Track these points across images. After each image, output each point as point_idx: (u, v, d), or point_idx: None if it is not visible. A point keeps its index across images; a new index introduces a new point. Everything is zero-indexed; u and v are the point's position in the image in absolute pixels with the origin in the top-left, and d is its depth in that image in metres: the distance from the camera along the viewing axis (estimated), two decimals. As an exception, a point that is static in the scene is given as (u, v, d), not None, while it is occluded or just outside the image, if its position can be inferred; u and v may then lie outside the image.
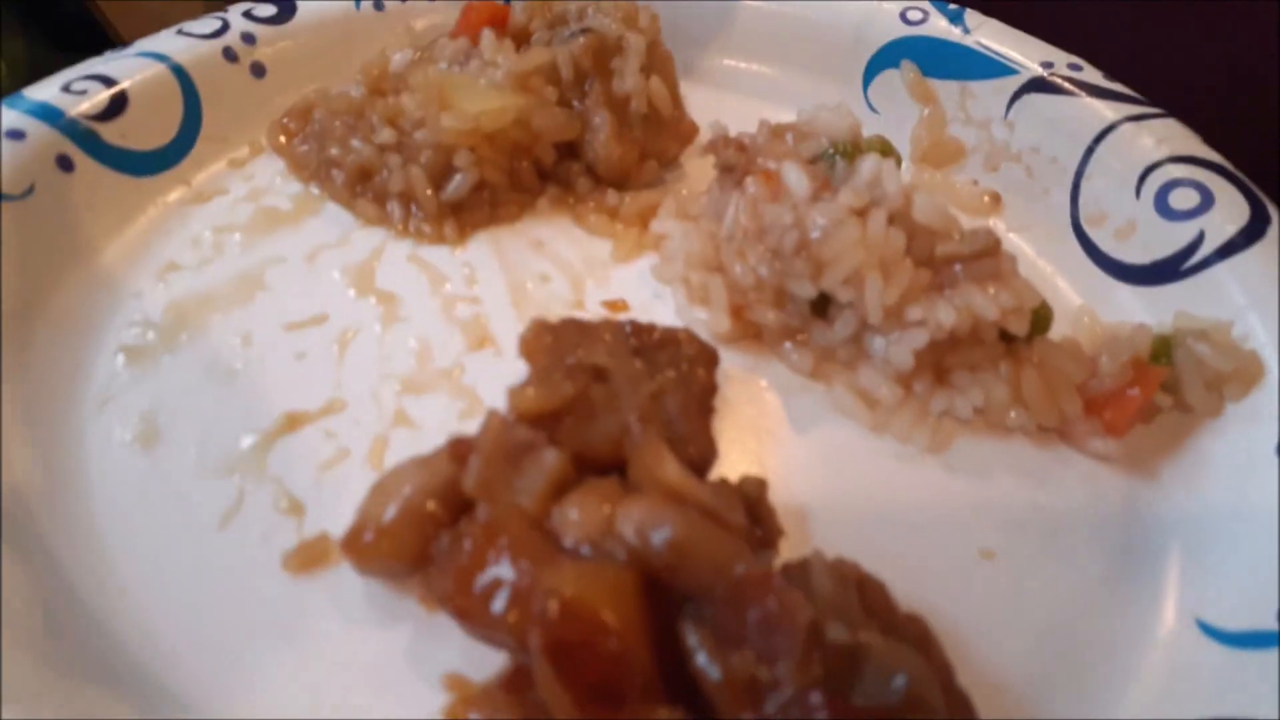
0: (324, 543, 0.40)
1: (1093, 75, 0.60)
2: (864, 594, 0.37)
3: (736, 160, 0.54)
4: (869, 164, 0.50)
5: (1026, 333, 0.47)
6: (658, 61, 0.59)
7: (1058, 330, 0.50)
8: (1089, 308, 0.54)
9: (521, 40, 0.59)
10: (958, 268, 0.48)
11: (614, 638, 0.34)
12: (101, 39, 0.77)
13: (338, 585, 0.39)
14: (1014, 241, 0.59)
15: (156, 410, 0.45)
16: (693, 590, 0.36)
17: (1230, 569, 0.43)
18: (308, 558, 0.40)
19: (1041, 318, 0.48)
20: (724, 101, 0.65)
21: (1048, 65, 0.61)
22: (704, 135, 0.56)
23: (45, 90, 0.53)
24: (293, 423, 0.45)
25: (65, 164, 0.51)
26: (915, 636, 0.37)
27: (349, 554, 0.39)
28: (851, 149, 0.52)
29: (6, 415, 0.43)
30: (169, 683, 0.36)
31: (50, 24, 0.81)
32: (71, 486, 0.42)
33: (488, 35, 0.58)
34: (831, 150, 0.52)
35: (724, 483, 0.42)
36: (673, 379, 0.45)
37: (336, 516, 0.40)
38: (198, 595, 0.39)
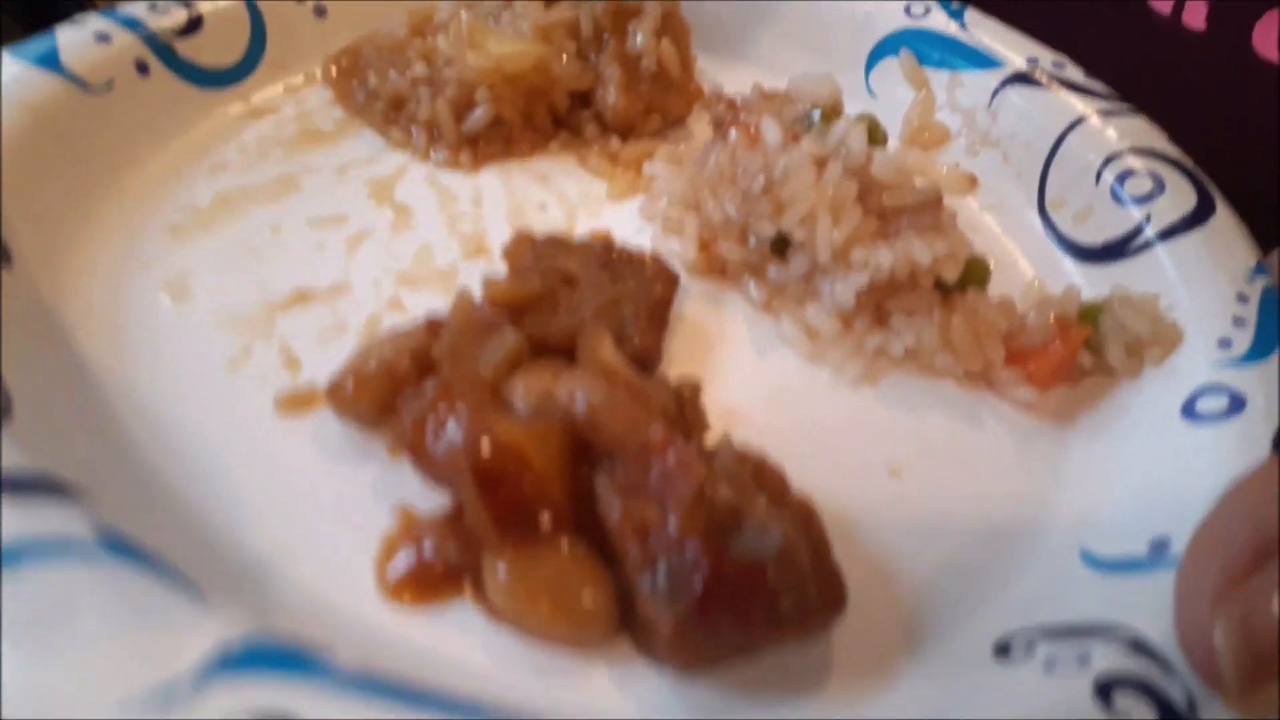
0: (312, 392, 0.47)
1: (1074, 73, 0.65)
2: (760, 473, 0.42)
3: (726, 116, 0.60)
4: (840, 126, 0.55)
5: (957, 280, 0.52)
6: (673, 28, 0.65)
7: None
8: (1040, 280, 0.59)
9: (552, 2, 0.66)
10: (905, 221, 0.53)
11: (533, 473, 0.40)
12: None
13: (320, 427, 0.46)
14: (985, 219, 0.64)
15: (190, 274, 0.52)
16: (609, 449, 0.42)
17: (1118, 508, 0.47)
18: (296, 401, 0.47)
19: (977, 272, 0.53)
20: (736, 73, 0.71)
21: (1033, 61, 0.65)
22: (708, 99, 0.63)
23: (134, 6, 0.61)
24: (302, 297, 0.52)
25: (142, 68, 0.59)
26: (799, 513, 0.42)
27: (330, 400, 0.46)
28: (830, 113, 0.58)
29: (64, 268, 0.51)
30: (176, 488, 0.43)
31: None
32: (110, 323, 0.49)
33: (521, -9, 0.65)
34: (811, 113, 0.57)
35: (659, 377, 0.48)
36: (631, 289, 0.51)
37: (327, 374, 0.46)
38: (204, 420, 0.46)
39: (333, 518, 0.43)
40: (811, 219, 0.52)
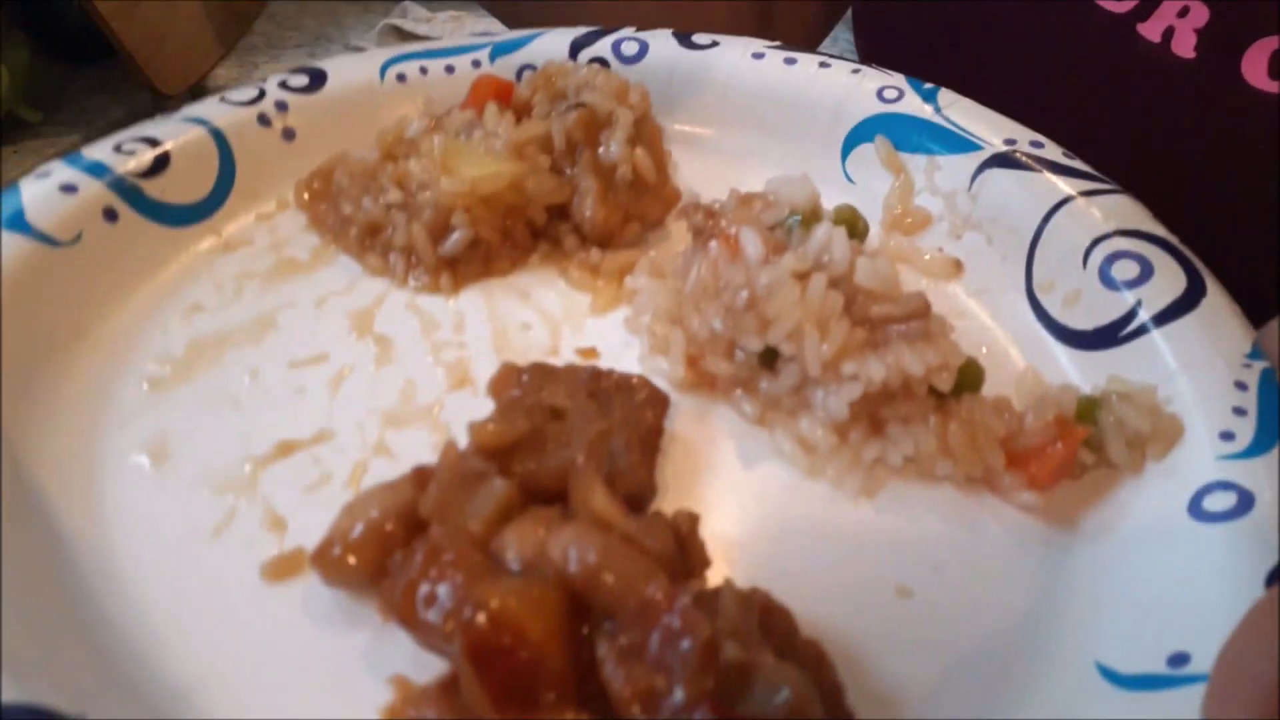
0: (299, 556, 0.46)
1: (1053, 152, 0.64)
2: (766, 619, 0.41)
3: (705, 225, 0.59)
4: (822, 231, 0.55)
5: (951, 389, 0.51)
6: (645, 134, 0.65)
7: (1003, 390, 0.54)
8: (1034, 369, 0.58)
9: (523, 113, 0.66)
10: (893, 331, 0.52)
11: (530, 646, 0.39)
12: (103, 49, 0.82)
13: (308, 594, 0.45)
14: (971, 305, 0.63)
15: (168, 433, 0.51)
16: (609, 608, 0.41)
17: (1131, 617, 0.46)
18: (283, 568, 0.45)
19: (970, 376, 0.52)
20: (711, 170, 0.70)
21: (1011, 142, 0.65)
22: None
23: (99, 150, 0.60)
24: (285, 449, 0.51)
25: (111, 215, 0.58)
26: (810, 660, 0.41)
27: (318, 566, 0.44)
28: (810, 217, 0.57)
29: (38, 432, 0.50)
30: (156, 667, 0.42)
31: (53, 35, 0.87)
32: (88, 494, 0.48)
33: (491, 108, 0.64)
34: (791, 218, 0.57)
35: (656, 515, 0.47)
36: (621, 420, 0.50)
37: (314, 533, 0.45)
38: (187, 594, 0.44)
39: (327, 692, 0.42)
40: (799, 333, 0.51)
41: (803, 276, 0.52)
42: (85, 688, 0.38)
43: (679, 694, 0.37)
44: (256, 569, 0.45)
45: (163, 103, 0.93)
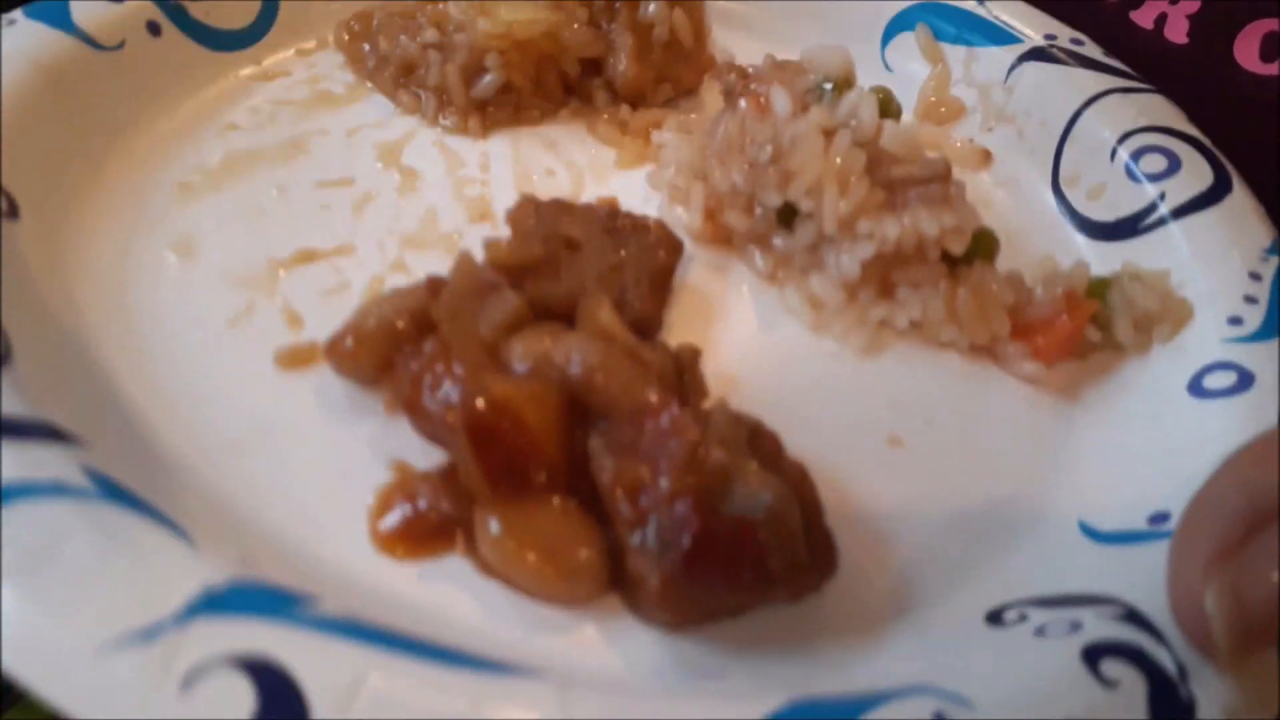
0: (313, 348, 0.47)
1: (1093, 50, 0.64)
2: (754, 438, 0.42)
3: (737, 85, 0.59)
4: (851, 96, 0.55)
5: (964, 252, 0.51)
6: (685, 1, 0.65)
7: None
8: (1051, 255, 0.58)
9: (564, -28, 0.66)
10: (913, 193, 0.52)
11: (527, 433, 0.40)
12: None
13: (320, 384, 0.46)
14: (997, 195, 0.63)
15: (195, 232, 0.52)
16: (604, 410, 0.42)
17: (1121, 482, 0.47)
18: (297, 357, 0.47)
19: (984, 244, 0.53)
20: (749, 46, 0.69)
21: (1050, 37, 0.65)
22: (721, 69, 0.62)
23: (145, -34, 0.61)
24: (306, 256, 0.52)
25: (154, 29, 0.59)
26: (793, 477, 0.42)
27: (329, 356, 0.46)
28: (842, 84, 0.57)
29: (69, 223, 0.51)
30: (171, 439, 0.43)
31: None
32: (115, 278, 0.50)
33: (532, -41, 0.65)
34: (824, 83, 0.57)
35: (659, 342, 0.48)
36: (633, 256, 0.50)
37: (329, 332, 0.46)
38: (204, 375, 0.46)
39: (329, 471, 0.43)
40: (818, 189, 0.52)
41: (828, 133, 0.52)
42: (95, 422, 0.40)
43: (663, 486, 0.38)
44: (271, 358, 0.47)
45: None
